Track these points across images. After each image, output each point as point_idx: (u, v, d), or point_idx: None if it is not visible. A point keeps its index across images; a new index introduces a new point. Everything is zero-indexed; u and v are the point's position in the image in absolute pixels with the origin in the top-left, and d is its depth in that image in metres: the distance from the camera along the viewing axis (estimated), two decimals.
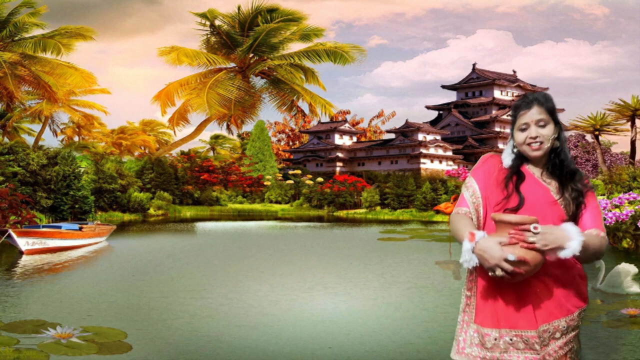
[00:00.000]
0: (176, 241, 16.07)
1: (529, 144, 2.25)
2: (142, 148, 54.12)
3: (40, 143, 33.48)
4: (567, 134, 2.34)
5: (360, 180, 37.37)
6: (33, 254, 11.55)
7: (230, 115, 37.20)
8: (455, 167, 57.57)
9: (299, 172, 46.43)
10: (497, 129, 62.59)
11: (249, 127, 53.04)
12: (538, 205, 2.24)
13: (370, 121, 76.61)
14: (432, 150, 59.22)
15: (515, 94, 66.07)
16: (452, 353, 2.30)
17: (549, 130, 2.24)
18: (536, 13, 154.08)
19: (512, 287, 2.18)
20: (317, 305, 6.63)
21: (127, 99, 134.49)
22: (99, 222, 16.59)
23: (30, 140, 38.33)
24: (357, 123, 75.09)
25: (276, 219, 29.39)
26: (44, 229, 12.42)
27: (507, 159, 2.32)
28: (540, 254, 2.06)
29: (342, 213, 33.11)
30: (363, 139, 71.16)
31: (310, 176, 42.80)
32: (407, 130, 59.67)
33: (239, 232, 19.58)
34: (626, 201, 8.70)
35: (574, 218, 2.24)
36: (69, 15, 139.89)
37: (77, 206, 24.58)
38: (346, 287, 7.76)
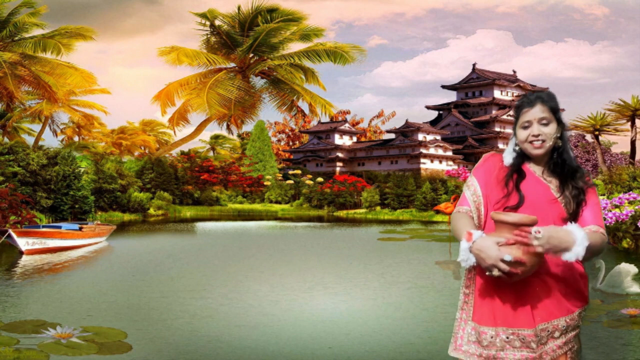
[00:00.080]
0: (176, 241, 16.07)
1: (530, 142, 2.24)
2: (142, 148, 54.11)
3: (40, 143, 33.48)
4: (567, 134, 2.33)
5: (360, 180, 37.36)
6: (33, 254, 11.55)
7: (230, 115, 37.20)
8: (455, 167, 57.54)
9: (299, 172, 46.41)
10: (497, 129, 62.56)
11: (249, 127, 53.13)
12: (538, 204, 2.23)
13: (370, 121, 76.62)
14: (432, 150, 59.20)
15: (515, 94, 66.06)
16: (450, 350, 2.30)
17: (551, 129, 2.24)
18: (536, 13, 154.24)
19: (510, 286, 2.17)
20: (317, 305, 6.64)
21: (127, 99, 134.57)
22: (99, 222, 16.59)
23: (30, 140, 38.33)
24: (357, 123, 75.08)
25: (276, 219, 29.38)
26: (44, 229, 12.42)
27: (508, 157, 2.32)
28: (538, 255, 2.05)
29: (342, 213, 33.10)
30: (363, 139, 71.13)
31: (310, 176, 42.78)
32: (407, 130, 59.65)
33: (239, 232, 19.58)
34: (626, 201, 8.69)
35: (575, 216, 2.23)
36: (69, 15, 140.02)
37: (77, 206, 24.58)
38: (346, 287, 7.76)
